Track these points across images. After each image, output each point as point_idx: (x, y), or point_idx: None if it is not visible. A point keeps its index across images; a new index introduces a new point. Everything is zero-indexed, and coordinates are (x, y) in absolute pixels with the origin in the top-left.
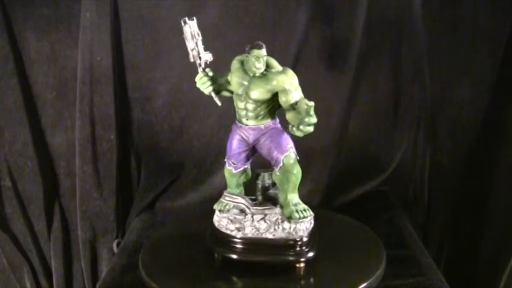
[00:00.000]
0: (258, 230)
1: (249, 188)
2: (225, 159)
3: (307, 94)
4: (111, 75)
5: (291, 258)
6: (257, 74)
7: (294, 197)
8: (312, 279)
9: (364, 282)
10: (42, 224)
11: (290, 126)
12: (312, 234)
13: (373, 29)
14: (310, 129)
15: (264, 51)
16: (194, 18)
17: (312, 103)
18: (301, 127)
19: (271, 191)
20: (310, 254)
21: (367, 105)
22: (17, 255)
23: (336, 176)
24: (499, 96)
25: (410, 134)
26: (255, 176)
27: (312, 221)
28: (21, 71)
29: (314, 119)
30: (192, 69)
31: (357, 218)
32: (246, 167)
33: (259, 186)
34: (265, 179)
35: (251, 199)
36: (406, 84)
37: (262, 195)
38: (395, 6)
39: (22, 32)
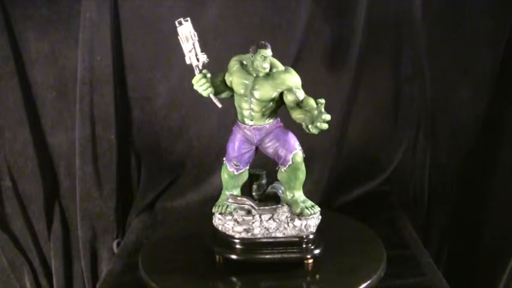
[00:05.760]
0: (267, 230)
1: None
2: (224, 162)
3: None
4: (111, 75)
5: (298, 255)
6: (262, 74)
7: (301, 195)
8: (312, 279)
9: (364, 282)
10: (42, 224)
11: (304, 125)
12: (317, 231)
13: (373, 29)
14: (326, 126)
15: (270, 51)
16: (188, 19)
17: (323, 100)
18: (318, 124)
19: (269, 191)
20: (317, 251)
21: (367, 105)
22: (17, 255)
23: (336, 176)
24: (499, 96)
25: (411, 134)
26: (250, 177)
27: (320, 217)
28: (21, 71)
29: (328, 116)
30: (192, 68)
31: (357, 218)
32: (247, 168)
33: (256, 186)
34: (260, 179)
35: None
36: (406, 84)
37: (260, 195)
38: (395, 6)
39: (22, 32)
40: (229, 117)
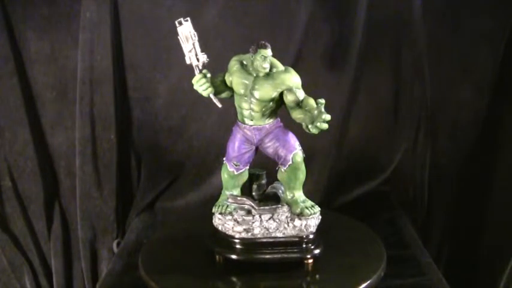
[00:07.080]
0: (267, 229)
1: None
2: (224, 161)
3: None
4: (111, 75)
5: (298, 255)
6: (262, 74)
7: (301, 195)
8: (312, 279)
9: (365, 282)
10: (42, 224)
11: (304, 125)
12: (317, 231)
13: (373, 29)
14: (326, 126)
15: (270, 51)
16: (188, 19)
17: (323, 100)
18: (318, 124)
19: (269, 191)
20: (317, 251)
21: (367, 105)
22: (17, 255)
23: (336, 176)
24: (499, 96)
25: (411, 134)
26: (250, 177)
27: (320, 217)
28: (21, 71)
29: (328, 116)
30: (192, 68)
31: (357, 218)
32: (247, 168)
33: (256, 186)
34: (260, 179)
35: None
36: (406, 84)
37: (260, 195)
38: (395, 6)
39: (22, 32)
40: (229, 117)
